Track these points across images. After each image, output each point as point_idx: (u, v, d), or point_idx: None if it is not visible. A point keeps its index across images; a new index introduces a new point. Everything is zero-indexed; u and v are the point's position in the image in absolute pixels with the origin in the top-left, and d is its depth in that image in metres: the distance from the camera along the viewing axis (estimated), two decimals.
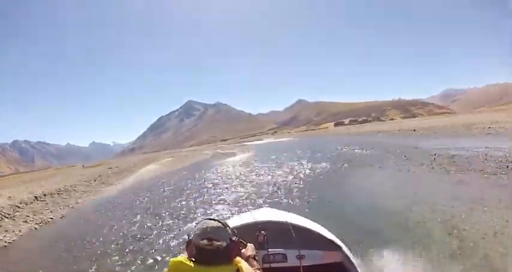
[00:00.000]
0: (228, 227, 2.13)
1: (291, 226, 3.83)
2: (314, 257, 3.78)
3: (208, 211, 12.32)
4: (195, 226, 2.10)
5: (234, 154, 49.41)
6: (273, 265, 3.59)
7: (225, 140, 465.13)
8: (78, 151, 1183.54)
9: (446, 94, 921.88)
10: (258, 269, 2.34)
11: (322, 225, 4.27)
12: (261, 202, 12.70)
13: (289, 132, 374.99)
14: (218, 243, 1.98)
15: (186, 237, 2.10)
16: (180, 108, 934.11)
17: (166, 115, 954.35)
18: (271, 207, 5.20)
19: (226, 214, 11.42)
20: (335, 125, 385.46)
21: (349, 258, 3.77)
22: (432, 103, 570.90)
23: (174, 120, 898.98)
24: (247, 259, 2.35)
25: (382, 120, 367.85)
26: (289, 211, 4.75)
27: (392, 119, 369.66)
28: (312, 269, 3.73)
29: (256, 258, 2.52)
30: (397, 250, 6.25)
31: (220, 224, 2.09)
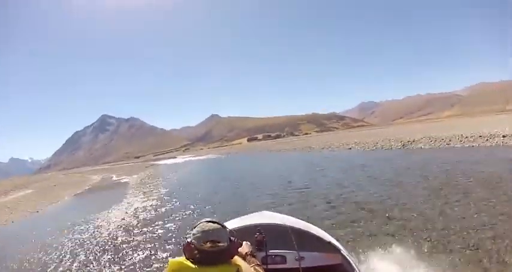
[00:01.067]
0: (226, 228, 2.13)
1: (290, 228, 3.83)
2: (313, 259, 3.76)
3: None
4: (193, 230, 2.07)
5: (123, 195, 23.68)
6: (272, 266, 3.55)
7: (138, 157, 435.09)
8: None
9: (363, 107, 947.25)
10: (257, 265, 2.33)
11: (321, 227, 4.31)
12: None
13: (201, 149, 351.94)
14: (221, 245, 1.97)
15: (184, 239, 2.04)
16: (95, 122, 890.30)
17: (82, 130, 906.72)
18: (270, 210, 5.24)
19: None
20: (248, 140, 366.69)
21: (348, 260, 3.75)
22: (348, 117, 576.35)
23: (89, 135, 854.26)
24: (244, 256, 2.38)
25: (296, 135, 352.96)
26: (288, 215, 4.82)
27: (306, 134, 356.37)
28: (312, 271, 3.71)
29: (255, 254, 2.52)
30: None
31: (219, 225, 2.08)
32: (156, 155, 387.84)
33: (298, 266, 3.55)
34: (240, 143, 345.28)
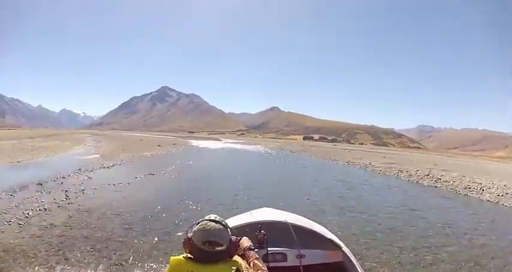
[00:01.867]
0: (228, 228, 2.09)
1: (290, 226, 3.79)
2: (314, 256, 3.73)
3: None
4: (195, 226, 2.05)
5: None
6: (273, 264, 3.49)
7: (192, 132, 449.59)
8: (48, 115, 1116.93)
9: (421, 130, 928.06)
10: (257, 258, 2.31)
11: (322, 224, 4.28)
12: None
13: (256, 137, 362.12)
14: (220, 248, 1.96)
15: (185, 234, 2.01)
16: (155, 91, 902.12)
17: (140, 96, 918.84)
18: (271, 207, 5.14)
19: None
20: (304, 138, 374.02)
21: (349, 257, 3.73)
22: (405, 136, 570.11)
23: (146, 102, 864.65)
24: (244, 252, 2.34)
25: (352, 143, 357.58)
26: (289, 211, 4.77)
27: (362, 143, 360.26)
28: (312, 268, 3.69)
29: (253, 248, 2.48)
30: None
31: (221, 226, 2.04)
32: (211, 134, 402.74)
33: (298, 264, 3.56)
34: (296, 139, 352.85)
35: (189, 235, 2.04)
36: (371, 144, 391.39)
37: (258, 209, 4.80)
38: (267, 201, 13.45)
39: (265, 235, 3.42)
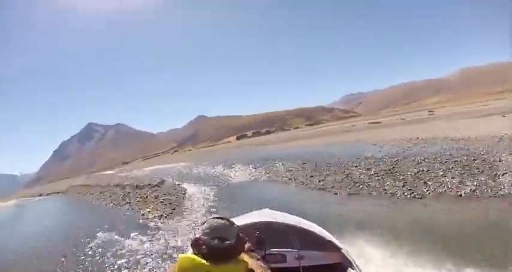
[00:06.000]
0: (234, 225, 2.16)
1: (290, 227, 3.85)
2: (313, 258, 3.76)
3: None
4: (203, 225, 2.12)
5: None
6: (272, 265, 3.34)
7: (126, 163, 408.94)
8: None
9: (347, 100, 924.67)
10: (258, 259, 2.42)
11: (321, 226, 4.54)
12: None
13: (190, 150, 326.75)
14: (228, 242, 2.02)
15: (193, 234, 2.30)
16: (80, 131, 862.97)
17: (68, 139, 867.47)
18: (270, 208, 5.30)
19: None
20: (237, 138, 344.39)
21: (348, 259, 3.75)
22: (337, 108, 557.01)
23: (75, 144, 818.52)
24: (246, 252, 2.39)
25: (286, 130, 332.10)
26: (288, 213, 5.01)
27: (297, 128, 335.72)
28: (312, 270, 3.72)
29: (252, 248, 2.58)
30: None
31: (228, 222, 2.12)
32: (146, 159, 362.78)
33: (298, 265, 3.57)
34: (229, 141, 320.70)
35: (198, 235, 2.10)
36: (306, 126, 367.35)
37: (258, 211, 4.95)
38: None
39: (265, 236, 3.43)
